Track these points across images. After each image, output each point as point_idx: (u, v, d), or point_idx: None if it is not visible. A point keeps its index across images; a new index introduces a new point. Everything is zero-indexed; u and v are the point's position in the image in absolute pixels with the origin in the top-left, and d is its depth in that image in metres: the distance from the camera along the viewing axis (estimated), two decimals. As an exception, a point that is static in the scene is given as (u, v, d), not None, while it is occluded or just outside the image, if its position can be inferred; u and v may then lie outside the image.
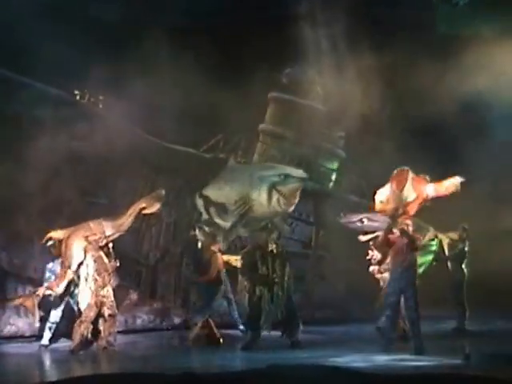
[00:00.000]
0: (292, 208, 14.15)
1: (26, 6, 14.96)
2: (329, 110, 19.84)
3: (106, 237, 13.48)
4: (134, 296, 16.42)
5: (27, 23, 14.70)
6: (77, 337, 13.17)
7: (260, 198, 13.46)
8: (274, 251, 13.48)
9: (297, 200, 13.89)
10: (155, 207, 13.85)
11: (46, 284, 13.81)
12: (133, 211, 13.72)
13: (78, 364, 12.48)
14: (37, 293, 13.67)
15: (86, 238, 13.37)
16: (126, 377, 10.37)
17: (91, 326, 13.23)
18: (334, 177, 20.41)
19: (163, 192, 14.03)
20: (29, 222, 14.77)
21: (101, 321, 13.33)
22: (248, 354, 12.95)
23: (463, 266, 15.46)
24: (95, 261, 13.34)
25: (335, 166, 20.53)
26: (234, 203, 13.78)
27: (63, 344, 13.99)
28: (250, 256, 13.63)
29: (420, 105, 18.01)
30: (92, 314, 13.20)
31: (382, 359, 11.72)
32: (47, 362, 13.09)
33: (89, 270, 13.32)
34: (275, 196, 13.35)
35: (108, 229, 13.54)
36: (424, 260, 17.05)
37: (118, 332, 14.16)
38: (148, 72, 16.13)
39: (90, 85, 15.91)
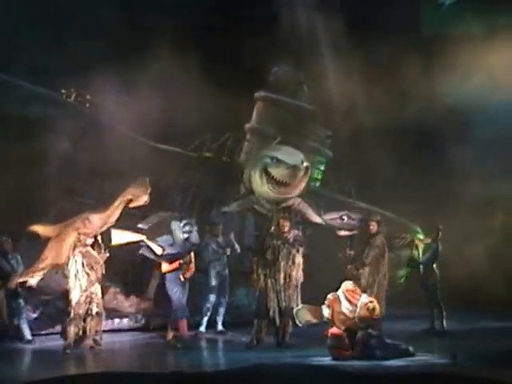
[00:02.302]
0: (293, 194, 13.97)
1: (21, 7, 15.03)
2: (315, 110, 19.88)
3: (96, 232, 13.47)
4: (120, 295, 16.41)
5: (22, 24, 14.78)
6: (69, 335, 13.16)
7: (255, 177, 13.50)
8: (284, 237, 13.48)
9: (297, 189, 13.73)
10: (143, 199, 13.72)
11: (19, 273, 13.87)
12: (119, 202, 13.59)
13: (64, 363, 12.46)
14: (9, 284, 13.71)
15: (78, 230, 13.32)
16: (112, 376, 10.38)
17: (82, 323, 13.22)
18: (320, 176, 20.42)
19: (147, 179, 13.75)
20: (16, 221, 14.73)
21: (88, 319, 13.31)
22: (234, 353, 12.98)
23: (434, 266, 15.34)
24: (84, 255, 13.31)
25: (322, 165, 20.54)
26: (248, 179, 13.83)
27: (52, 343, 14.01)
28: (260, 239, 13.65)
29: (406, 105, 18.05)
30: (81, 312, 13.17)
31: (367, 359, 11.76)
32: (34, 360, 13.10)
33: (77, 265, 13.29)
34: (265, 178, 13.32)
35: (96, 222, 13.49)
36: (405, 272, 17.16)
37: (105, 331, 14.17)
38: (135, 71, 16.14)
39: (80, 84, 15.92)
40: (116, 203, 13.58)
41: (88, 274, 13.22)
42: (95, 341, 13.36)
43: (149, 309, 16.62)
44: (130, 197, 13.61)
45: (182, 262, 13.77)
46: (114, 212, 13.58)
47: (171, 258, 13.85)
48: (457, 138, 18.37)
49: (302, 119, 19.67)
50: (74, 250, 13.30)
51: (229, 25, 18.72)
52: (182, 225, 14.08)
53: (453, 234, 15.80)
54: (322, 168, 20.47)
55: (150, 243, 13.86)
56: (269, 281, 13.35)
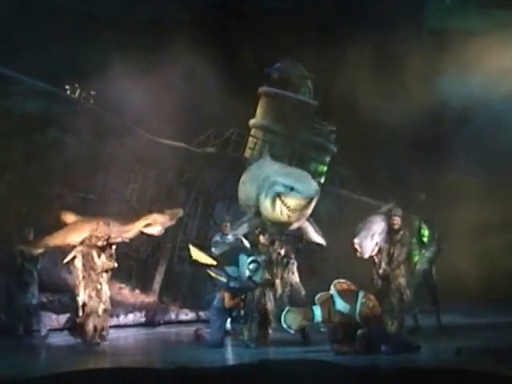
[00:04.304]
0: (301, 222, 13.80)
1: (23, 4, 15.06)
2: (319, 105, 19.91)
3: (108, 238, 13.40)
4: (125, 291, 16.45)
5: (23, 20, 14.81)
6: (89, 329, 13.13)
7: (265, 203, 13.25)
8: (279, 255, 13.50)
9: (307, 213, 13.56)
10: (156, 229, 13.67)
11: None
12: (140, 224, 13.52)
13: (70, 359, 12.48)
14: None
15: (92, 230, 13.30)
16: (118, 371, 10.38)
17: (98, 318, 13.22)
18: (325, 171, 20.44)
19: (181, 211, 13.81)
20: (18, 216, 14.77)
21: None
22: (240, 349, 12.98)
23: (433, 265, 15.24)
24: (83, 256, 13.28)
25: (326, 160, 20.55)
26: (250, 200, 13.65)
27: (57, 339, 14.04)
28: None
29: (409, 101, 18.01)
30: (96, 305, 13.17)
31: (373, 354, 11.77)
32: (38, 356, 13.12)
33: (76, 263, 13.30)
34: (278, 205, 13.13)
35: (114, 231, 13.43)
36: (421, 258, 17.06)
37: (110, 327, 14.17)
38: (138, 67, 16.15)
39: (83, 79, 15.96)
40: (137, 223, 13.53)
41: (83, 277, 13.20)
42: (102, 336, 13.37)
43: (153, 304, 16.66)
44: (150, 221, 13.58)
45: (243, 297, 13.19)
46: (132, 230, 13.55)
47: (234, 292, 13.22)
48: (460, 134, 18.37)
49: (306, 114, 19.71)
50: (78, 247, 13.30)
51: (232, 20, 18.72)
52: (248, 261, 13.16)
53: (454, 230, 15.82)
54: (327, 163, 20.50)
55: (214, 273, 13.30)
56: (266, 295, 13.32)
